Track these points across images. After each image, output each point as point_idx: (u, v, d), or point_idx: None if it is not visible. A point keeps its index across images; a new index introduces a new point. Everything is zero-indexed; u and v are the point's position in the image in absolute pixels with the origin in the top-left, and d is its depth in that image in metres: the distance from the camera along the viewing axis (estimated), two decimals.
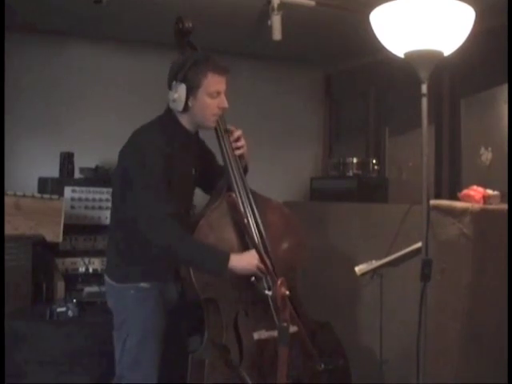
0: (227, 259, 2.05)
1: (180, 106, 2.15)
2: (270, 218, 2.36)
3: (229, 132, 2.35)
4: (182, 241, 2.07)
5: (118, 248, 2.26)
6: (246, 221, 2.21)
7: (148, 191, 2.05)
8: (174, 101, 2.15)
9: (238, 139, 2.36)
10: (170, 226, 2.05)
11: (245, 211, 2.27)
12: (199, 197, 2.47)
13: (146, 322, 2.18)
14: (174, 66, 2.19)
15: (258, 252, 2.01)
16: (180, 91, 2.13)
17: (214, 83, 2.15)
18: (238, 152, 2.36)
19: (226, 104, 2.21)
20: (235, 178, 2.31)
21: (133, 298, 2.19)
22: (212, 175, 2.42)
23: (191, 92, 2.14)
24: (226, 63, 2.20)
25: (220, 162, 2.42)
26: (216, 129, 2.34)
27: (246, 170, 2.43)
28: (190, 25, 2.39)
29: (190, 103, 2.15)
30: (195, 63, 2.14)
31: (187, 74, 2.13)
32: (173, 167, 2.14)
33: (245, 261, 2.08)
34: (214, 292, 2.17)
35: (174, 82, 2.15)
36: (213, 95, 2.16)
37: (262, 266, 2.04)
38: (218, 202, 2.24)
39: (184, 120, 2.22)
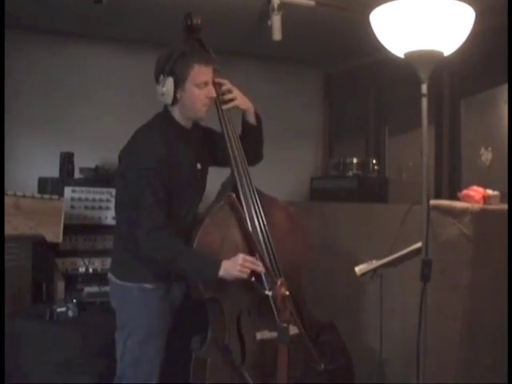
0: (218, 267, 2.06)
1: (169, 99, 2.17)
2: (275, 218, 2.35)
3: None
4: (171, 253, 2.09)
5: (123, 246, 2.25)
6: (246, 221, 2.22)
7: (142, 202, 2.07)
8: (163, 94, 2.17)
9: (228, 91, 2.37)
10: (157, 239, 2.08)
11: (250, 211, 2.27)
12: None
13: (148, 322, 2.19)
14: (159, 59, 2.20)
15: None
16: (168, 85, 2.14)
17: (201, 74, 2.17)
18: (231, 104, 2.36)
19: (214, 93, 2.23)
20: (240, 178, 2.31)
21: (137, 298, 2.19)
22: (221, 151, 2.38)
23: (179, 84, 2.15)
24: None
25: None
26: (222, 127, 2.35)
27: (259, 121, 2.45)
28: (199, 21, 2.38)
29: (178, 95, 2.16)
30: (181, 56, 2.15)
31: (174, 67, 2.14)
32: (173, 167, 2.14)
33: (229, 267, 2.07)
34: (217, 292, 2.17)
35: (162, 76, 2.16)
36: (200, 86, 2.18)
37: (249, 264, 2.06)
38: (223, 201, 2.24)
39: (176, 114, 2.23)
